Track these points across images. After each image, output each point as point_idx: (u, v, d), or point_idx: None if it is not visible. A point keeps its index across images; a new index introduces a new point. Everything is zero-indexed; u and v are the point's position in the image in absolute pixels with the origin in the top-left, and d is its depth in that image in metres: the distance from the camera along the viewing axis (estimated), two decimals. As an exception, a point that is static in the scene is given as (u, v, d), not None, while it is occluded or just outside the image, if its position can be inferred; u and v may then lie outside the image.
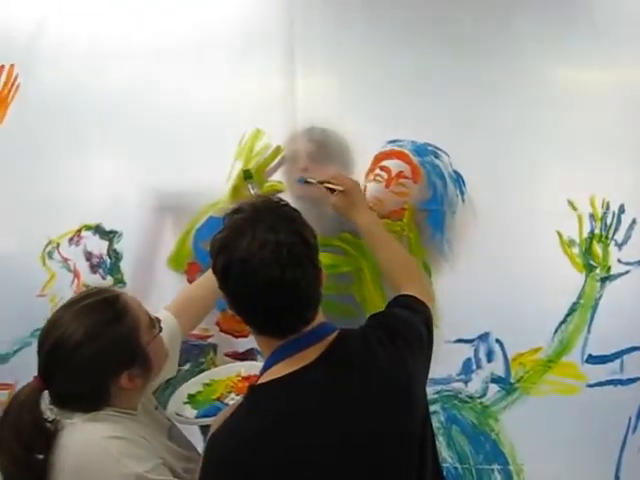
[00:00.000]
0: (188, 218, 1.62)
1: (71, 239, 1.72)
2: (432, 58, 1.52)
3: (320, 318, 1.06)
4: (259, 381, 1.05)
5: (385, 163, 1.54)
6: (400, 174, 1.52)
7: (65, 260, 1.73)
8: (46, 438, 1.12)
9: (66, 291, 1.68)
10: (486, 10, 1.47)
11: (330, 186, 1.43)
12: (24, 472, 1.12)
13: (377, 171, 1.54)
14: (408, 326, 1.14)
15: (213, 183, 1.61)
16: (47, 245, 1.73)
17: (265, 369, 1.05)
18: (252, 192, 1.54)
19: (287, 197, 1.58)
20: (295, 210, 1.05)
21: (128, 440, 1.12)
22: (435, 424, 1.51)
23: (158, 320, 1.23)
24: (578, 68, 1.49)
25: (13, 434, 1.11)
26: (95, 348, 1.11)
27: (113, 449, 1.09)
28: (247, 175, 1.55)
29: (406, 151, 1.53)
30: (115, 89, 1.68)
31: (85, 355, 1.11)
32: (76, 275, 1.73)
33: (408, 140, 1.53)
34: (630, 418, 1.45)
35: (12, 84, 1.77)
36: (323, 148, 1.56)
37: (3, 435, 1.11)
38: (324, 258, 1.50)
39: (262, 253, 0.96)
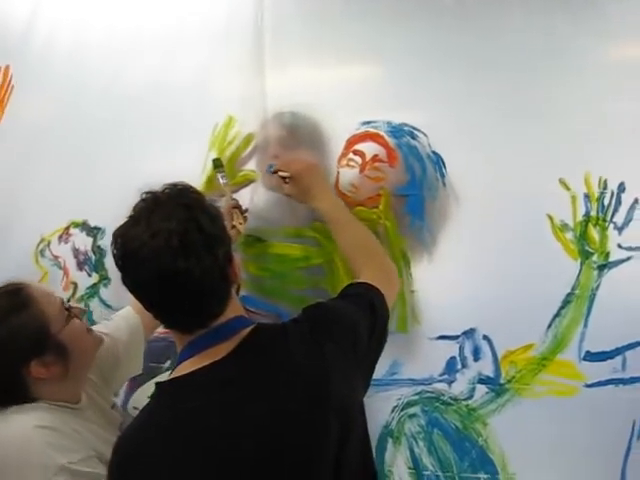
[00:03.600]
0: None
1: (60, 236, 1.73)
2: (408, 35, 1.41)
3: (236, 311, 1.00)
4: (167, 378, 0.99)
5: (359, 147, 1.44)
6: (375, 158, 1.42)
7: (56, 258, 1.74)
8: None
9: (57, 289, 1.69)
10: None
11: (281, 174, 1.35)
12: None
13: (350, 155, 1.44)
14: (338, 319, 1.05)
15: (189, 174, 1.56)
16: (40, 243, 1.74)
17: (176, 365, 0.99)
18: (221, 182, 1.49)
19: (260, 186, 1.52)
20: (198, 197, 0.99)
21: (56, 431, 1.09)
22: (415, 428, 1.40)
23: (73, 309, 1.21)
24: (568, 37, 1.33)
25: None
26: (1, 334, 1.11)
27: (37, 439, 1.07)
28: (216, 164, 1.50)
29: (381, 133, 1.42)
30: (94, 84, 1.68)
31: None
32: (65, 272, 1.73)
33: (383, 121, 1.42)
34: (634, 422, 1.27)
35: (8, 85, 1.80)
36: (294, 133, 1.48)
37: None
38: (296, 250, 1.46)
39: (153, 242, 0.91)
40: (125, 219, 0.97)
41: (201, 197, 1.00)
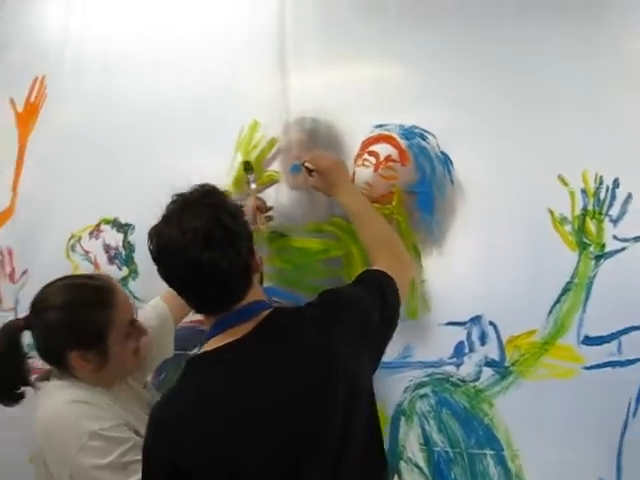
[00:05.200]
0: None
1: (91, 232, 1.85)
2: (417, 41, 1.52)
3: (256, 296, 1.14)
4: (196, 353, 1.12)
5: (373, 148, 1.55)
6: (388, 158, 1.53)
7: (86, 253, 1.85)
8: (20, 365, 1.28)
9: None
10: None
11: (307, 166, 1.46)
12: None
13: (365, 156, 1.56)
14: (349, 303, 1.17)
15: (215, 174, 1.68)
16: (70, 239, 1.86)
17: (204, 342, 1.13)
18: (251, 184, 1.60)
19: (283, 186, 1.64)
20: (222, 198, 1.13)
21: (88, 403, 1.23)
22: (425, 407, 1.50)
23: (137, 329, 1.33)
24: (569, 38, 1.43)
25: None
26: (63, 317, 1.24)
27: (72, 412, 1.21)
28: (247, 167, 1.62)
29: (394, 135, 1.54)
30: (124, 88, 1.81)
31: (53, 318, 1.24)
32: (96, 266, 1.85)
33: (395, 124, 1.53)
34: (630, 401, 1.37)
35: (42, 94, 1.93)
36: (314, 137, 1.60)
37: None
38: (316, 244, 1.57)
39: (183, 239, 1.06)
40: (158, 219, 1.12)
41: (224, 197, 1.14)
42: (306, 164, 1.49)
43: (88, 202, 1.84)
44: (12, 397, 1.30)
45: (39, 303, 1.29)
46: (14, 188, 1.97)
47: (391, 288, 1.24)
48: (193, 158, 1.72)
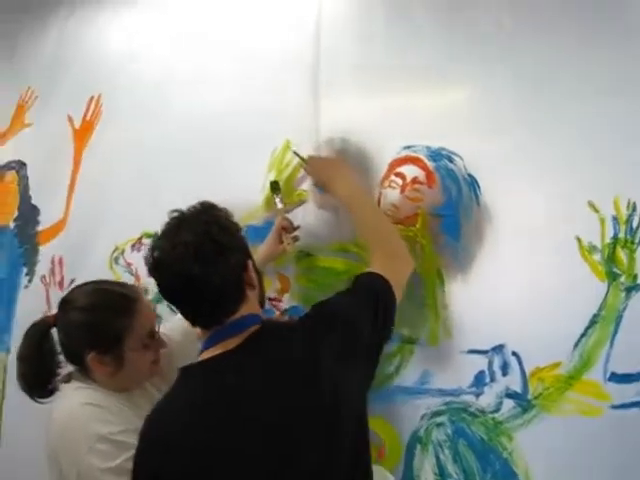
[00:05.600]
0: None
1: (133, 245, 1.92)
2: (444, 62, 1.51)
3: (250, 309, 1.15)
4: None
5: (400, 169, 1.54)
6: (415, 180, 1.52)
7: (128, 265, 1.93)
8: (49, 361, 1.37)
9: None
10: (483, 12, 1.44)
11: (300, 155, 1.58)
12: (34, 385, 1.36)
13: (392, 177, 1.55)
14: (340, 313, 1.18)
15: (250, 193, 1.73)
16: (114, 251, 1.94)
17: (198, 355, 1.16)
18: (278, 203, 1.62)
19: (311, 205, 1.65)
20: (216, 214, 1.17)
21: (100, 407, 1.27)
22: (441, 437, 1.46)
23: (157, 341, 1.37)
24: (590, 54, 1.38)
25: (26, 346, 1.37)
26: (85, 318, 1.31)
27: (84, 414, 1.26)
28: (273, 187, 1.65)
29: (421, 156, 1.52)
30: (171, 107, 1.89)
31: (76, 318, 1.31)
32: (137, 278, 1.92)
33: (423, 145, 1.52)
34: (660, 446, 1.28)
35: (98, 111, 2.04)
36: (344, 156, 1.60)
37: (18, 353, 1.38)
38: (341, 264, 1.58)
39: (174, 252, 1.09)
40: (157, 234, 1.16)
41: (219, 213, 1.17)
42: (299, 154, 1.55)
43: (133, 216, 1.92)
44: (44, 392, 1.36)
45: (66, 302, 1.36)
46: (68, 201, 2.08)
47: (384, 290, 1.23)
48: (230, 176, 1.76)
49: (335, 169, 1.49)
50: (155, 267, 1.13)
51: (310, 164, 1.54)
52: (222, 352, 1.12)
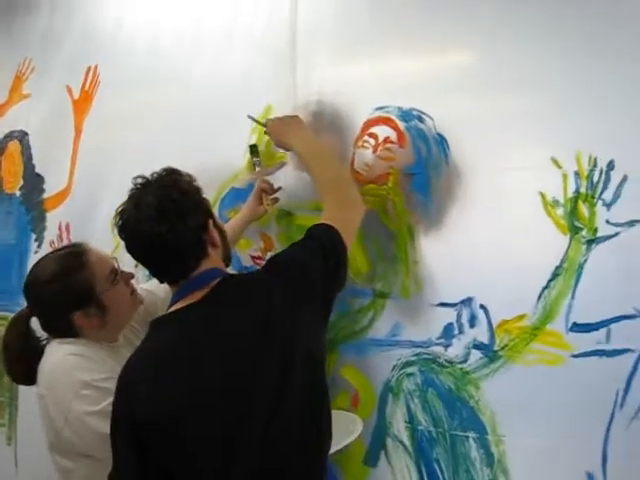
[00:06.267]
0: (213, 191, 1.81)
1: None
2: (416, 28, 1.54)
3: (212, 264, 1.24)
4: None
5: (373, 130, 1.58)
6: (387, 139, 1.56)
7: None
8: (33, 350, 1.43)
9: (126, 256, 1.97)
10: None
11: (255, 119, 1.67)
12: (20, 374, 1.46)
13: (365, 137, 1.59)
14: (291, 264, 1.26)
15: (232, 158, 1.79)
16: (115, 217, 2.03)
17: (167, 309, 1.25)
18: (257, 165, 1.69)
19: (290, 167, 1.71)
20: (176, 178, 1.25)
21: (84, 357, 1.36)
22: (411, 386, 1.52)
23: (121, 274, 1.45)
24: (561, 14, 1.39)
25: (5, 345, 1.45)
26: (55, 289, 1.39)
27: (68, 363, 1.35)
28: (252, 150, 1.71)
29: (392, 117, 1.56)
30: (165, 75, 1.96)
31: (48, 293, 1.39)
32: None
33: (394, 106, 1.56)
34: (617, 392, 1.31)
35: (95, 81, 2.12)
36: (319, 118, 1.65)
37: (2, 346, 1.46)
38: (310, 221, 1.62)
39: (137, 214, 1.18)
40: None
41: (180, 178, 1.25)
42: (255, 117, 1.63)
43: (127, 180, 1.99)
44: (30, 377, 1.44)
45: (31, 286, 1.43)
46: (71, 168, 2.17)
47: (334, 241, 1.29)
48: (215, 140, 1.82)
49: (290, 127, 1.55)
50: (121, 228, 1.22)
51: (268, 126, 1.59)
52: (187, 304, 1.20)
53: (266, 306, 1.17)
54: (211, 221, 1.26)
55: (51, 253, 1.49)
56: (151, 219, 1.16)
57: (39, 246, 2.29)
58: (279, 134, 1.56)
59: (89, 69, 2.15)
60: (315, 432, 1.16)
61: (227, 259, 1.33)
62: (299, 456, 1.14)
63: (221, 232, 1.29)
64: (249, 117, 1.68)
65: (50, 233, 2.27)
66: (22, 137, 2.34)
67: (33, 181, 2.29)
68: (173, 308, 1.22)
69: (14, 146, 2.35)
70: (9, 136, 2.40)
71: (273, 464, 1.12)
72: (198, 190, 1.26)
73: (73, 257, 1.42)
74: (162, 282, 1.27)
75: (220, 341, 1.15)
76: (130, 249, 1.23)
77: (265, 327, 1.15)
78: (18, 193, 2.35)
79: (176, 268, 1.22)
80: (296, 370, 1.13)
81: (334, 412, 1.46)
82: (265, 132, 1.63)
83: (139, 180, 1.24)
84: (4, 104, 2.42)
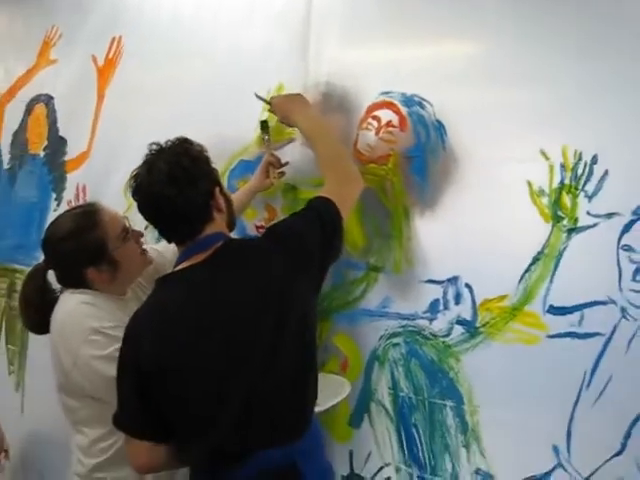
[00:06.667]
0: (223, 162, 1.91)
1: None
2: (422, 20, 1.63)
3: (216, 229, 1.34)
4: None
5: (377, 113, 1.67)
6: (389, 123, 1.65)
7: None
8: (49, 301, 1.55)
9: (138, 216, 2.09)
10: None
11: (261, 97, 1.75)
12: (36, 324, 1.58)
13: (369, 120, 1.68)
14: (289, 232, 1.36)
15: (244, 131, 1.89)
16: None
17: (173, 268, 1.37)
18: (265, 140, 1.78)
19: (297, 144, 1.80)
20: (187, 146, 1.35)
21: (94, 306, 1.49)
22: (396, 355, 1.63)
23: (132, 232, 1.57)
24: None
25: (24, 296, 1.55)
26: (71, 245, 1.51)
27: (80, 311, 1.47)
28: (262, 126, 1.80)
29: (395, 102, 1.65)
30: (187, 48, 2.06)
31: (64, 248, 1.51)
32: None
33: (398, 92, 1.64)
34: (585, 373, 1.41)
35: (119, 51, 2.21)
36: (327, 98, 1.75)
37: (20, 297, 1.57)
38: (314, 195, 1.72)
39: (149, 178, 1.30)
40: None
41: (191, 147, 1.35)
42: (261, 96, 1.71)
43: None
44: (45, 327, 1.57)
45: (48, 242, 1.56)
46: (92, 134, 2.29)
47: (330, 212, 1.39)
48: (228, 114, 1.92)
49: (294, 104, 1.64)
50: (135, 190, 1.33)
51: (273, 103, 1.68)
52: (191, 264, 1.31)
53: (265, 272, 1.28)
54: (217, 188, 1.36)
55: (67, 211, 1.62)
56: (162, 183, 1.27)
57: (58, 205, 2.42)
58: (284, 110, 1.64)
59: (114, 39, 2.25)
60: (303, 388, 1.28)
61: (231, 225, 1.44)
62: (288, 409, 1.26)
63: (227, 199, 1.39)
64: (256, 95, 1.76)
65: (68, 193, 2.39)
66: (48, 101, 2.46)
67: (57, 143, 2.41)
68: (179, 267, 1.33)
69: (40, 109, 2.47)
70: (36, 99, 2.51)
71: (263, 415, 1.23)
72: (207, 159, 1.37)
73: (87, 216, 1.54)
74: (170, 242, 1.38)
75: (221, 304, 1.26)
76: (142, 210, 1.34)
77: (264, 292, 1.26)
78: (42, 154, 2.47)
79: (183, 229, 1.32)
80: (290, 332, 1.25)
81: (326, 375, 1.59)
82: (269, 110, 1.72)
83: (153, 147, 1.34)
84: (32, 68, 2.54)
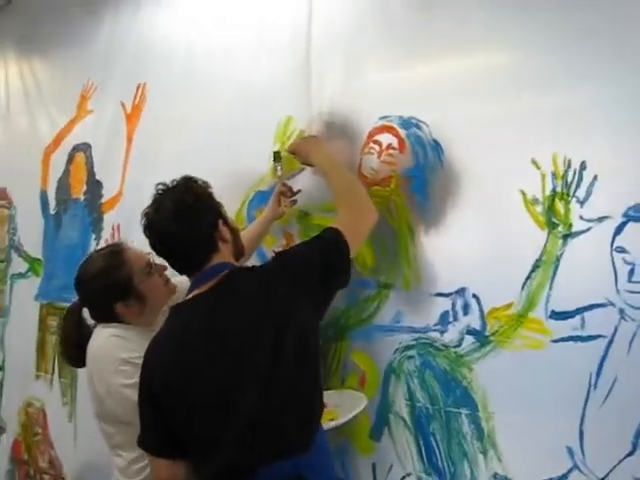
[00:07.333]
0: (242, 193, 2.03)
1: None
2: (413, 47, 1.72)
3: (221, 259, 1.45)
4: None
5: (377, 137, 1.76)
6: (389, 146, 1.74)
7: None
8: (86, 336, 1.69)
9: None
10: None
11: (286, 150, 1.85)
12: (74, 357, 1.71)
13: (370, 144, 1.77)
14: (294, 260, 1.45)
15: (259, 163, 2.01)
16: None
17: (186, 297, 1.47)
18: (278, 170, 1.89)
19: (308, 172, 1.91)
20: (191, 185, 1.48)
21: (124, 338, 1.62)
22: (411, 368, 1.69)
23: (155, 266, 1.68)
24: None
25: (62, 332, 1.72)
26: (101, 283, 1.65)
27: (110, 344, 1.61)
28: (275, 157, 1.91)
29: (394, 125, 1.73)
30: (200, 93, 2.21)
31: (94, 286, 1.65)
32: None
33: (396, 115, 1.73)
34: (591, 374, 1.44)
35: (144, 97, 2.38)
36: (330, 128, 1.85)
37: (59, 333, 1.69)
38: (330, 221, 1.81)
39: (157, 216, 1.42)
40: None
41: (194, 184, 1.48)
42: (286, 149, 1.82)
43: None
44: (82, 360, 1.70)
45: (81, 281, 1.70)
46: (123, 175, 2.46)
47: (338, 244, 1.46)
48: (244, 148, 2.04)
49: (310, 145, 1.74)
50: (145, 228, 1.46)
51: (291, 147, 1.79)
52: (199, 293, 1.43)
53: (267, 297, 1.38)
54: (221, 220, 1.47)
55: (95, 252, 1.77)
56: (168, 220, 1.40)
57: (97, 244, 2.59)
58: (301, 152, 1.75)
59: (139, 86, 2.42)
60: (307, 404, 1.37)
61: (238, 253, 1.54)
62: (291, 423, 1.34)
63: (232, 230, 1.50)
64: (275, 154, 1.89)
65: (106, 233, 2.56)
66: (86, 149, 2.66)
67: (94, 187, 2.60)
68: (189, 296, 1.44)
69: (80, 157, 2.68)
70: (76, 148, 2.73)
71: (266, 431, 1.32)
72: (210, 195, 1.49)
73: (114, 255, 1.68)
74: (181, 274, 1.49)
75: (224, 329, 1.36)
76: (152, 245, 1.47)
77: (265, 316, 1.36)
78: (82, 198, 2.66)
79: (190, 261, 1.44)
80: (292, 352, 1.34)
81: (343, 391, 1.67)
82: (289, 152, 1.82)
83: (160, 187, 1.47)
84: (72, 120, 2.75)
